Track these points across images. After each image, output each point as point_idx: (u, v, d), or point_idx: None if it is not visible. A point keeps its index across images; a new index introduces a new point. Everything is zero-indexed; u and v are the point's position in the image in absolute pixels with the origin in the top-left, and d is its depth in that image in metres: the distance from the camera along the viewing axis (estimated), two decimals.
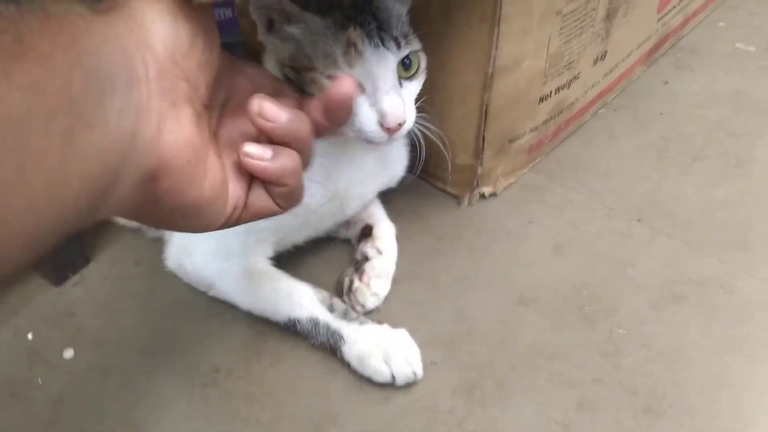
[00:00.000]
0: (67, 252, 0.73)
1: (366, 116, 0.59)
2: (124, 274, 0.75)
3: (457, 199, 0.82)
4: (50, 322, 0.71)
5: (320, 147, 0.66)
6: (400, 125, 0.58)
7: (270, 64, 0.63)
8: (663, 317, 0.72)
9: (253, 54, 0.86)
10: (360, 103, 0.59)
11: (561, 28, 0.76)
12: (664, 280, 0.75)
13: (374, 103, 0.59)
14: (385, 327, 0.66)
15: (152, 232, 0.76)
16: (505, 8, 0.68)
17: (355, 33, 0.59)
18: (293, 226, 0.70)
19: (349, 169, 0.68)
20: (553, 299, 0.73)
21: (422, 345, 0.66)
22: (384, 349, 0.64)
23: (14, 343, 0.69)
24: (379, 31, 0.59)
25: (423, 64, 0.62)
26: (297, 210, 0.69)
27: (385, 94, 0.58)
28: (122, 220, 0.76)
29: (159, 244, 0.74)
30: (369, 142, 0.60)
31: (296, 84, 0.60)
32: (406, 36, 0.60)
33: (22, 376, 0.66)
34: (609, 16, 0.83)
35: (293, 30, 0.60)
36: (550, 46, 0.76)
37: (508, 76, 0.73)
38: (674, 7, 1.00)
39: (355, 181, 0.69)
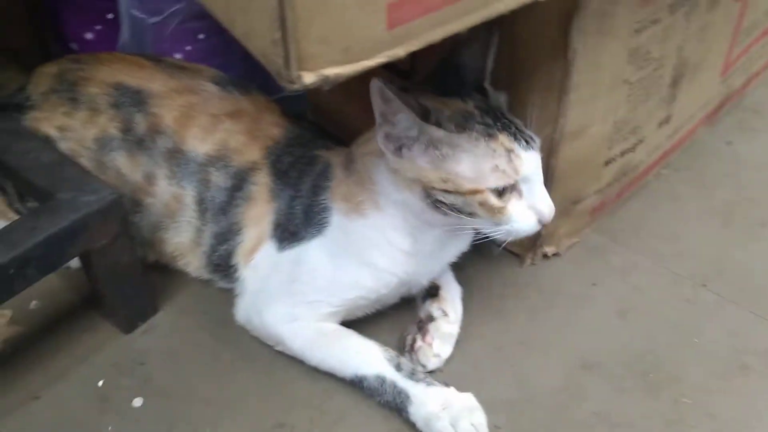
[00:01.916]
0: (136, 300, 0.75)
1: (525, 218, 0.63)
2: (192, 325, 0.76)
3: (520, 258, 0.83)
4: (120, 370, 0.72)
5: (403, 243, 0.68)
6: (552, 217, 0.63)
7: (399, 189, 0.65)
8: (729, 388, 0.71)
9: (320, 112, 0.89)
10: (516, 206, 0.62)
11: (628, 96, 0.76)
12: (731, 349, 0.74)
13: (532, 203, 0.62)
14: (452, 390, 0.66)
15: (221, 283, 0.78)
16: (574, 77, 0.69)
17: (505, 138, 0.62)
18: (362, 306, 0.72)
19: (426, 258, 0.70)
20: (617, 365, 0.73)
21: (484, 408, 0.66)
22: (451, 413, 0.64)
23: (85, 390, 0.71)
24: (519, 132, 0.62)
25: None
26: (368, 294, 0.72)
27: (542, 194, 0.63)
28: (193, 271, 0.78)
29: (228, 295, 0.76)
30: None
31: (448, 207, 0.62)
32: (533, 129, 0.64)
33: (93, 423, 0.68)
34: (675, 82, 0.83)
35: (437, 152, 0.61)
36: (616, 112, 0.76)
37: (574, 142, 0.74)
38: (738, 68, 1.00)
39: (428, 263, 0.71)
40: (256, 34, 0.44)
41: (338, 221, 0.69)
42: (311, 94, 0.92)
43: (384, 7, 0.43)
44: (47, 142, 0.73)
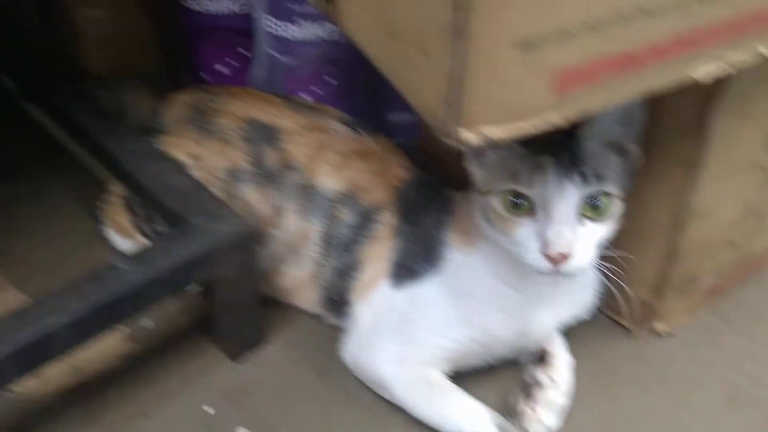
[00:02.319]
0: (247, 330, 0.77)
1: (527, 241, 0.61)
2: (299, 359, 0.77)
3: (630, 332, 0.81)
4: (226, 397, 0.74)
5: (510, 278, 0.68)
6: (564, 257, 0.59)
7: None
8: None
9: (430, 160, 0.90)
10: (525, 227, 0.61)
11: (760, 182, 0.75)
12: None
13: (541, 230, 0.60)
14: None
15: (331, 319, 0.79)
16: (706, 156, 0.68)
17: (545, 157, 0.61)
18: (474, 351, 0.71)
19: (537, 303, 0.69)
20: None
21: None
22: None
23: (191, 412, 0.72)
24: (571, 163, 0.61)
25: (617, 211, 0.63)
26: (481, 337, 0.71)
27: (554, 223, 0.60)
28: (306, 305, 0.80)
29: (336, 331, 0.77)
30: (534, 271, 0.61)
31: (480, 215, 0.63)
32: (599, 176, 0.61)
33: None
34: None
35: (493, 156, 0.63)
36: (746, 197, 0.75)
37: (700, 221, 0.72)
38: None
39: (542, 315, 0.70)
40: (423, 89, 0.45)
41: (453, 256, 0.70)
42: (424, 141, 0.93)
43: (552, 72, 0.44)
44: (179, 167, 0.77)
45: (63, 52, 1.02)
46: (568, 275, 0.62)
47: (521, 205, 0.61)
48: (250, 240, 0.71)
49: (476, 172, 0.65)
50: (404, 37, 0.44)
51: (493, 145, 0.61)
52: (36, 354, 0.61)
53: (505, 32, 0.41)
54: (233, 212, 0.71)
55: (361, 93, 0.89)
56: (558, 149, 0.61)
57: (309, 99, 0.87)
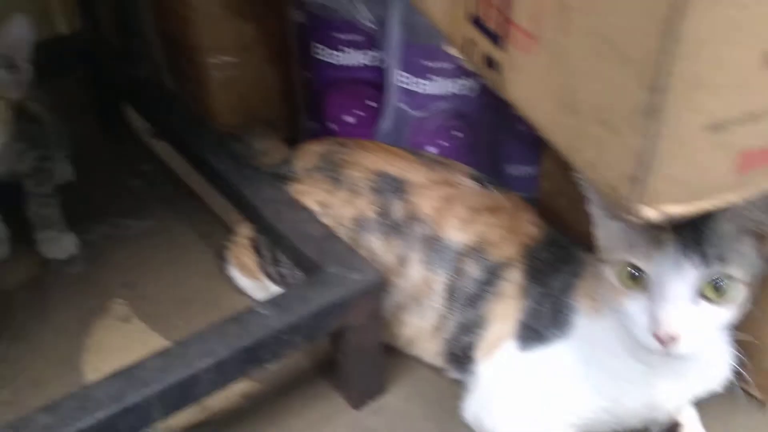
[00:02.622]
0: (370, 378, 0.78)
1: (637, 317, 0.59)
2: (419, 412, 0.78)
3: (760, 402, 0.78)
4: None
5: (636, 349, 0.66)
6: (673, 338, 0.57)
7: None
8: None
9: (548, 214, 0.90)
10: (637, 301, 0.59)
11: None
12: None
13: (652, 307, 0.58)
14: None
15: (452, 373, 0.79)
16: None
17: (667, 232, 0.59)
18: (601, 420, 0.70)
19: (666, 375, 0.67)
20: None
21: None
22: None
23: None
24: (694, 241, 0.58)
25: (740, 296, 0.59)
26: (608, 406, 0.70)
27: (666, 302, 0.58)
28: (427, 357, 0.81)
29: (456, 386, 0.77)
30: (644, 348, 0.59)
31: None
32: (724, 258, 0.58)
33: None
34: None
35: (616, 224, 0.62)
36: None
37: None
38: None
39: (672, 387, 0.68)
40: (604, 165, 0.46)
41: (581, 322, 0.69)
42: (543, 195, 0.94)
43: (736, 153, 0.44)
44: (314, 215, 0.79)
45: (192, 94, 1.07)
46: (680, 356, 0.60)
47: (636, 278, 0.60)
48: (381, 289, 0.72)
49: (601, 237, 0.65)
50: (587, 113, 0.45)
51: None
52: (181, 396, 0.63)
53: (697, 114, 0.42)
54: (366, 261, 0.73)
55: (484, 145, 0.90)
56: (682, 225, 0.58)
57: (435, 151, 0.88)
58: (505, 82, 0.53)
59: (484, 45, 0.53)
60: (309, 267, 0.73)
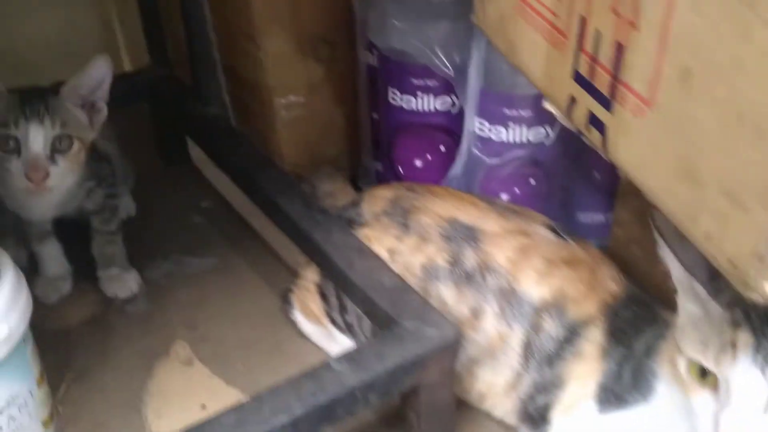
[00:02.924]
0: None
1: (702, 416, 0.56)
2: None
3: None
4: None
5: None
6: None
7: None
8: None
9: (620, 263, 0.87)
10: (705, 400, 0.56)
11: None
12: None
13: (718, 413, 0.55)
14: None
15: None
16: None
17: (743, 335, 0.55)
18: None
19: None
20: None
21: None
22: None
23: None
24: None
25: None
26: None
27: (732, 411, 0.53)
28: (499, 413, 0.78)
29: None
30: None
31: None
32: None
33: None
34: None
35: (691, 307, 0.59)
36: None
37: None
38: None
39: None
40: (726, 240, 0.43)
41: (665, 388, 0.65)
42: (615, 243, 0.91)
43: None
44: (386, 264, 0.77)
45: (257, 132, 1.07)
46: None
47: (706, 377, 0.56)
48: (457, 346, 0.70)
49: (678, 322, 0.61)
50: (711, 185, 0.42)
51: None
52: None
53: None
54: (442, 316, 0.71)
55: (557, 193, 0.88)
56: (764, 324, 0.54)
57: (507, 198, 0.86)
58: (611, 143, 0.50)
59: (588, 104, 0.51)
60: (382, 320, 0.71)
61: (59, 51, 1.18)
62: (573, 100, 0.53)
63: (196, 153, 1.17)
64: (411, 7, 0.80)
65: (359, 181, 1.06)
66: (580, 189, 0.89)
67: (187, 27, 0.97)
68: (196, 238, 1.05)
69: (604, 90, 0.49)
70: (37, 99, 0.80)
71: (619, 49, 0.47)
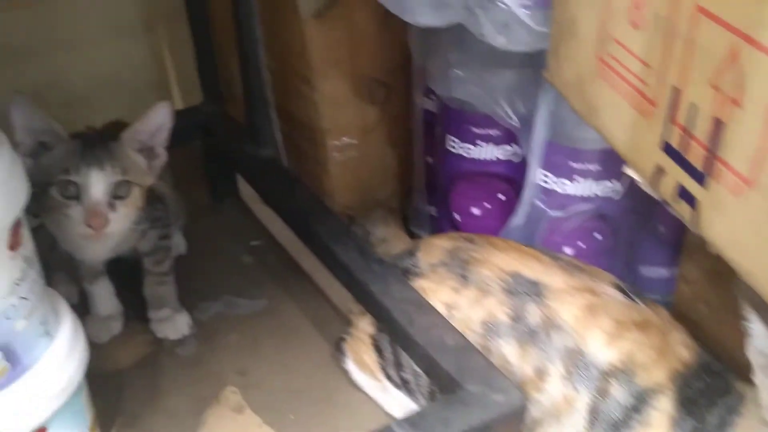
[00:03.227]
0: None
1: None
2: None
3: None
4: None
5: None
6: None
7: None
8: None
9: (685, 322, 0.84)
10: None
11: None
12: None
13: None
14: None
15: None
16: None
17: None
18: None
19: None
20: None
21: None
22: None
23: None
24: None
25: None
26: None
27: None
28: None
29: None
30: None
31: None
32: None
33: None
34: None
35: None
36: None
37: None
38: None
39: None
40: None
41: None
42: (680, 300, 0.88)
43: None
44: (448, 322, 0.75)
45: (308, 172, 1.06)
46: None
47: None
48: (524, 412, 0.68)
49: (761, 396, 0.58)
50: None
51: None
52: None
53: None
54: (508, 380, 0.68)
55: (622, 247, 0.85)
56: None
57: (571, 252, 0.84)
58: (703, 219, 0.48)
59: (679, 176, 0.49)
60: (445, 382, 0.69)
61: (111, 86, 1.19)
62: (660, 171, 0.51)
63: (244, 188, 1.17)
64: (474, 56, 0.78)
65: (411, 224, 1.04)
66: (645, 243, 0.86)
67: (243, 68, 0.96)
68: (245, 278, 1.04)
69: (698, 164, 0.47)
70: (98, 145, 0.80)
71: (718, 125, 0.44)
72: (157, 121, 0.83)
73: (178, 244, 1.05)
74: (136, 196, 0.82)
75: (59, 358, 0.69)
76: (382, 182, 1.06)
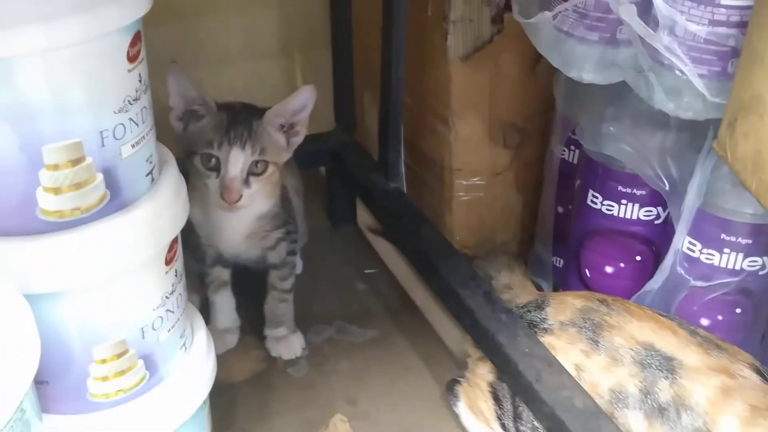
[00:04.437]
0: None
1: None
2: None
3: None
4: None
5: None
6: None
7: None
8: None
9: None
10: None
11: None
12: None
13: None
14: None
15: None
16: None
17: None
18: None
19: None
20: None
21: None
22: None
23: None
24: None
25: None
26: None
27: None
28: None
29: None
30: None
31: None
32: None
33: None
34: None
35: None
36: None
37: None
38: None
39: None
40: None
41: None
42: None
43: None
44: (578, 384, 0.73)
45: (430, 207, 1.06)
46: None
47: None
48: None
49: None
50: None
51: None
52: None
53: None
54: None
55: (762, 324, 0.81)
56: None
57: (708, 324, 0.81)
58: None
59: None
60: None
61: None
62: None
63: (361, 217, 1.18)
64: (630, 114, 0.77)
65: (531, 272, 1.02)
66: None
67: (383, 102, 0.98)
68: (358, 305, 1.05)
69: None
70: (242, 123, 0.84)
71: None
72: (301, 101, 0.86)
73: (298, 263, 1.07)
74: (270, 174, 0.85)
75: (192, 370, 0.71)
76: (504, 226, 1.05)
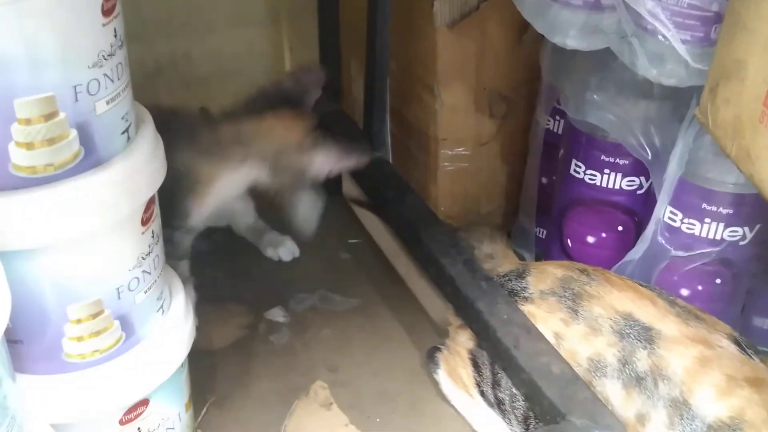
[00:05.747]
0: None
1: None
2: None
3: None
4: None
5: None
6: None
7: None
8: None
9: None
10: None
11: None
12: None
13: None
14: None
15: None
16: None
17: None
18: None
19: None
20: None
21: None
22: None
23: None
24: None
25: None
26: None
27: None
28: None
29: None
30: None
31: None
32: None
33: None
34: None
35: None
36: None
37: None
38: None
39: None
40: None
41: None
42: None
43: None
44: (556, 351, 0.73)
45: (415, 178, 1.06)
46: None
47: None
48: None
49: None
50: None
51: None
52: None
53: None
54: (614, 416, 0.66)
55: (740, 295, 0.81)
56: None
57: (687, 293, 0.81)
58: None
59: None
60: (547, 410, 0.67)
61: (231, 72, 1.22)
62: None
63: (347, 187, 1.18)
64: (615, 82, 0.76)
65: (514, 242, 1.03)
66: (763, 292, 0.83)
67: (369, 71, 0.97)
68: (341, 274, 1.05)
69: None
70: None
71: None
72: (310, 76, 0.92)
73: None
74: None
75: (169, 333, 0.71)
76: (489, 197, 1.05)
